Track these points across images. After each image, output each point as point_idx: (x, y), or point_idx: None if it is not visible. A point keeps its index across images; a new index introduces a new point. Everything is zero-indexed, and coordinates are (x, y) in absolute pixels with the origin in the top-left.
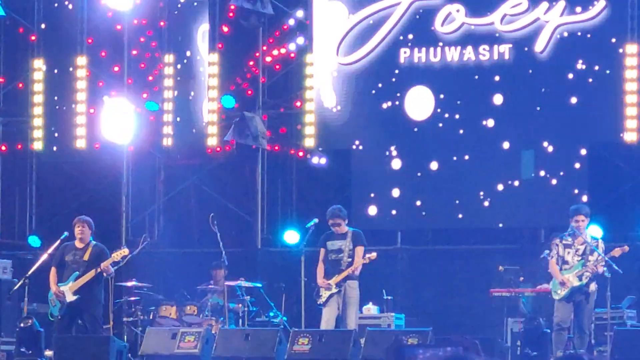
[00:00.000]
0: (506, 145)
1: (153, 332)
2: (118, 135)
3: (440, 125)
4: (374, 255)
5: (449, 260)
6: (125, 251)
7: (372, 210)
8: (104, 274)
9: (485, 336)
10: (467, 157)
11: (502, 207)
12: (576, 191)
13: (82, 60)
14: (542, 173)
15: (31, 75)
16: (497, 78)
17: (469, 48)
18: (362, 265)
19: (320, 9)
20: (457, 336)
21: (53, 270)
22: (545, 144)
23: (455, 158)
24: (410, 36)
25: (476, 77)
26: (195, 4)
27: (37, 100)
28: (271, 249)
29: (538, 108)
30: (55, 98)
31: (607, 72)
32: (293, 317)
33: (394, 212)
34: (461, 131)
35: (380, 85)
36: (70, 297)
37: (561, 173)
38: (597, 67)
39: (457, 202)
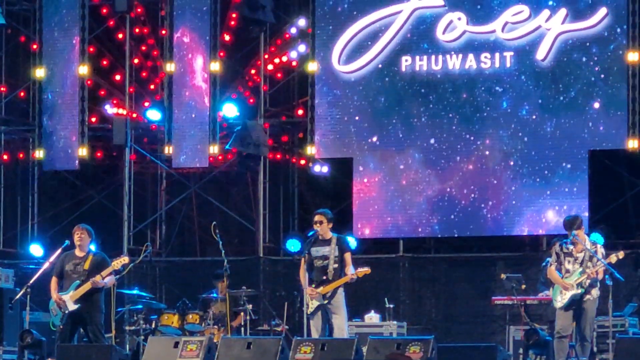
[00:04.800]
0: (508, 153)
1: (155, 340)
2: (119, 143)
3: (441, 134)
4: (368, 270)
5: (451, 268)
6: (125, 259)
7: (374, 218)
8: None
9: (487, 344)
10: (469, 166)
11: (504, 215)
12: (578, 199)
13: (83, 69)
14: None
15: (33, 84)
16: (498, 87)
17: (471, 56)
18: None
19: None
20: None
21: (54, 279)
22: (547, 151)
23: (456, 168)
24: (412, 44)
25: (477, 85)
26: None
27: (38, 109)
28: (273, 257)
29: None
30: (57, 107)
31: (609, 79)
32: (295, 325)
33: (395, 220)
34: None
35: (381, 93)
36: (71, 306)
37: (563, 181)
38: (599, 75)
39: (458, 211)
